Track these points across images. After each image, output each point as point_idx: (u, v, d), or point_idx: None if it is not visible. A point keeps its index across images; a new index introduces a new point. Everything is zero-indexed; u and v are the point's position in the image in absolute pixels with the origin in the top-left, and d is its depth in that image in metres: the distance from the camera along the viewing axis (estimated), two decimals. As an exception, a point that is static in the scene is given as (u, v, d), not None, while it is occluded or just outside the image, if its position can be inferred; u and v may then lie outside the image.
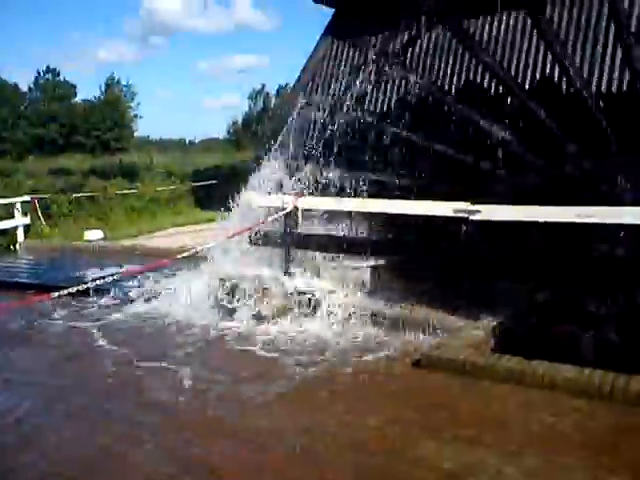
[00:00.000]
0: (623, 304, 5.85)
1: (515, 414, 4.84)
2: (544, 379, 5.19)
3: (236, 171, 15.60)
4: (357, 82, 8.40)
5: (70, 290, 6.37)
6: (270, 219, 7.73)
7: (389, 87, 8.90)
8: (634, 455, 4.16)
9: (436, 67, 8.56)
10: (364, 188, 7.51)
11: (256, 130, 39.16)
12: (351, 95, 8.51)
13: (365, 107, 8.71)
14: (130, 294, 8.37)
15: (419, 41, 8.63)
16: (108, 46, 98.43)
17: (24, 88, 55.48)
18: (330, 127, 8.15)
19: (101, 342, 6.71)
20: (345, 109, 8.15)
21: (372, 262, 7.63)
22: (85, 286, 7.02)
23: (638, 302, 5.80)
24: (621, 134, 6.21)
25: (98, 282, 7.21)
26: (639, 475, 3.92)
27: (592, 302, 5.96)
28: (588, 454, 4.18)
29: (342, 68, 9.23)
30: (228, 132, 53.83)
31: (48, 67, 56.25)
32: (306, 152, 8.26)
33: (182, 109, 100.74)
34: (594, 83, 7.20)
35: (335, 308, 7.08)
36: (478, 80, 8.04)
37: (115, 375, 5.81)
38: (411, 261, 7.09)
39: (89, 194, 16.54)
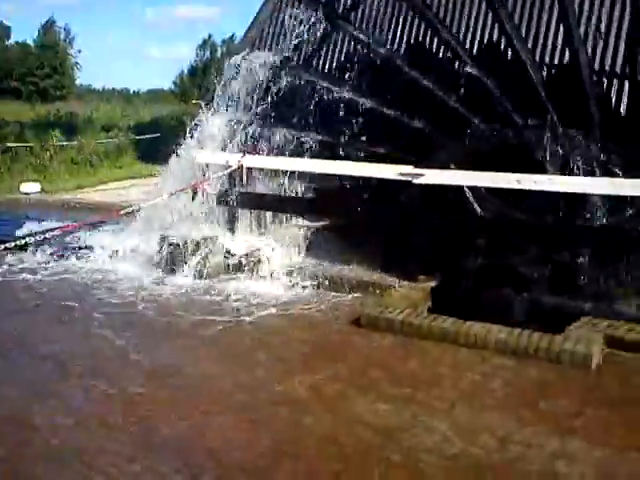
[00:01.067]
0: (554, 266, 6.09)
1: (448, 373, 5.03)
2: (477, 339, 5.42)
3: (181, 123, 15.26)
4: (304, 40, 8.31)
5: (7, 245, 6.20)
6: (215, 176, 7.64)
7: (338, 47, 8.79)
8: (550, 406, 4.46)
9: (384, 28, 8.48)
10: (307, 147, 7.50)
11: (201, 82, 38.25)
12: (297, 53, 8.43)
13: (312, 66, 8.58)
14: (66, 250, 8.17)
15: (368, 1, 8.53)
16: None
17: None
18: (274, 85, 8.05)
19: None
20: (290, 69, 8.06)
21: (317, 223, 7.69)
22: (23, 241, 6.82)
23: (568, 264, 6.06)
24: (560, 105, 6.37)
25: (36, 237, 7.01)
26: (554, 424, 4.19)
27: (524, 265, 6.19)
28: (512, 408, 4.43)
29: (290, 25, 9.04)
30: (174, 83, 52.34)
31: (-20, 6, 53.04)
32: (250, 110, 8.15)
33: (128, 58, 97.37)
34: (538, 54, 7.28)
35: (277, 267, 7.12)
36: (426, 44, 8.01)
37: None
38: (354, 222, 7.15)
39: (26, 144, 15.88)
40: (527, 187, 6.16)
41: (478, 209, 6.38)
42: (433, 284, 6.60)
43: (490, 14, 7.31)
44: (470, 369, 5.07)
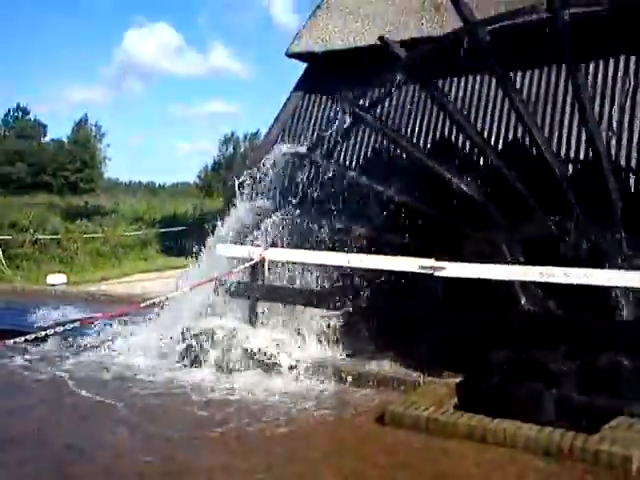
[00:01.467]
0: (583, 362, 5.92)
1: (477, 473, 4.82)
2: (506, 437, 5.20)
3: (205, 218, 15.61)
4: (328, 134, 8.58)
5: (27, 337, 6.22)
6: (236, 270, 7.70)
7: (359, 141, 9.03)
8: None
9: (408, 123, 8.71)
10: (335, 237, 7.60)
11: (225, 176, 39.39)
12: (322, 146, 8.68)
13: (334, 159, 8.80)
14: (88, 341, 8.16)
15: (391, 97, 8.80)
16: (82, 89, 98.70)
17: (-8, 127, 55.14)
18: (300, 177, 8.25)
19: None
20: (313, 161, 8.30)
21: (339, 313, 7.63)
22: (43, 333, 6.84)
23: (598, 361, 5.89)
24: (583, 199, 6.42)
25: (57, 329, 7.03)
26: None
27: (553, 360, 6.03)
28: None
29: (312, 122, 9.38)
30: (198, 177, 54.02)
31: (18, 105, 56.16)
32: (275, 201, 8.32)
33: (154, 153, 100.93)
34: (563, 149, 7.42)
35: (299, 362, 7.02)
36: (450, 138, 8.18)
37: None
38: (375, 315, 7.10)
39: (53, 236, 16.28)
40: (555, 280, 6.09)
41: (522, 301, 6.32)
42: (459, 380, 6.43)
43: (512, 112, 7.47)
44: (500, 469, 4.87)
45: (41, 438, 5.45)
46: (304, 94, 9.90)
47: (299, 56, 9.91)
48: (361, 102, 8.38)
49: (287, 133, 9.72)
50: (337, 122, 8.45)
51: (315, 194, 8.10)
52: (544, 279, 6.15)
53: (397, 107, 8.70)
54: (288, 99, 10.10)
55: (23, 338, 6.14)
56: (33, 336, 6.33)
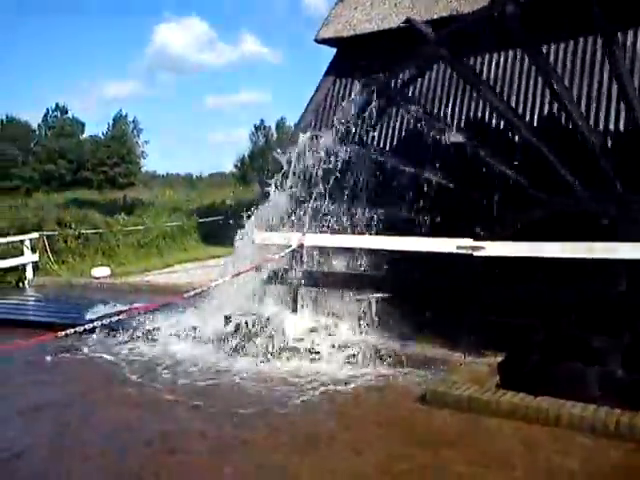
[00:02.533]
0: (628, 339, 5.85)
1: (520, 451, 4.84)
2: (549, 415, 5.20)
3: (242, 206, 15.72)
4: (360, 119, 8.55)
5: (77, 329, 6.44)
6: (276, 257, 7.80)
7: (391, 124, 8.99)
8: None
9: (440, 103, 8.63)
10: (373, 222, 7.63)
11: (261, 165, 39.64)
12: (355, 131, 8.65)
13: (370, 143, 8.78)
14: (134, 332, 8.40)
15: (421, 79, 8.73)
16: (116, 83, 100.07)
17: (34, 126, 56.46)
18: (334, 162, 8.25)
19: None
20: (347, 146, 8.29)
21: (377, 295, 7.67)
22: (91, 325, 7.07)
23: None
24: (624, 172, 6.29)
25: (104, 320, 7.26)
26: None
27: (596, 338, 5.98)
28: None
29: (344, 106, 9.38)
30: (235, 166, 54.44)
31: (57, 105, 57.34)
32: (311, 188, 8.36)
33: (189, 144, 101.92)
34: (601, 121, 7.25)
35: (340, 344, 7.10)
36: (483, 117, 8.08)
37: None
38: (415, 296, 7.11)
39: (96, 231, 16.66)
40: (598, 256, 6.01)
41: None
42: (500, 359, 6.43)
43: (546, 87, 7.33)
44: (544, 447, 4.87)
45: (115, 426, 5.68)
46: (334, 79, 9.92)
47: (328, 41, 9.91)
48: (392, 85, 8.33)
49: (319, 118, 9.76)
50: (369, 106, 8.42)
51: (348, 179, 8.11)
52: (591, 255, 6.06)
53: (428, 88, 8.64)
54: (319, 84, 10.13)
55: (73, 330, 6.36)
56: (82, 328, 6.55)
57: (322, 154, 8.14)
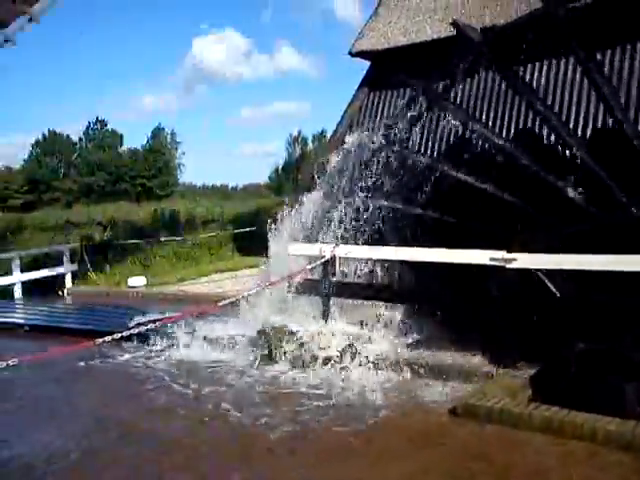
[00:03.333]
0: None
1: (553, 466, 4.77)
2: (584, 430, 5.11)
3: (276, 217, 15.83)
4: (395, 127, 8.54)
5: (114, 336, 6.57)
6: (309, 267, 7.86)
7: (427, 132, 8.93)
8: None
9: (482, 111, 8.54)
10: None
11: (295, 176, 39.85)
12: (391, 136, 8.62)
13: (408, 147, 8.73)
14: (171, 340, 8.53)
15: (460, 86, 8.64)
16: (154, 95, 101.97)
17: (75, 139, 57.93)
18: (371, 168, 8.23)
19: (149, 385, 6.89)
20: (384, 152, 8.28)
21: (408, 307, 7.66)
22: (128, 332, 7.20)
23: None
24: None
25: (141, 328, 7.39)
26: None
27: (635, 351, 5.85)
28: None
29: (378, 118, 9.44)
30: (270, 178, 54.91)
31: (97, 118, 58.77)
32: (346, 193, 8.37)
33: (225, 156, 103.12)
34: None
35: (372, 355, 7.10)
36: (525, 126, 7.98)
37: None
38: (445, 308, 7.08)
39: (133, 241, 16.99)
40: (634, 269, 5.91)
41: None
42: (533, 371, 6.34)
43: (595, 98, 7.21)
44: (579, 463, 4.78)
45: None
46: (369, 91, 10.00)
47: (362, 54, 10.01)
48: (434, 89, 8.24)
49: (354, 130, 9.82)
50: (409, 112, 8.40)
51: (388, 183, 8.09)
52: (627, 268, 5.96)
53: (470, 95, 8.56)
54: (354, 96, 10.23)
55: (110, 337, 6.49)
56: (119, 335, 6.68)
57: (368, 153, 8.11)
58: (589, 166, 6.62)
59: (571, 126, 7.56)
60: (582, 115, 7.77)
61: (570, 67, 7.89)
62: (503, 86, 8.13)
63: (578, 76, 7.77)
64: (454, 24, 7.61)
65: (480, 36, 7.32)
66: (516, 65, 7.82)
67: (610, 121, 7.25)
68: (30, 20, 10.43)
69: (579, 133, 7.53)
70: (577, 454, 4.91)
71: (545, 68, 8.15)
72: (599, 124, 7.56)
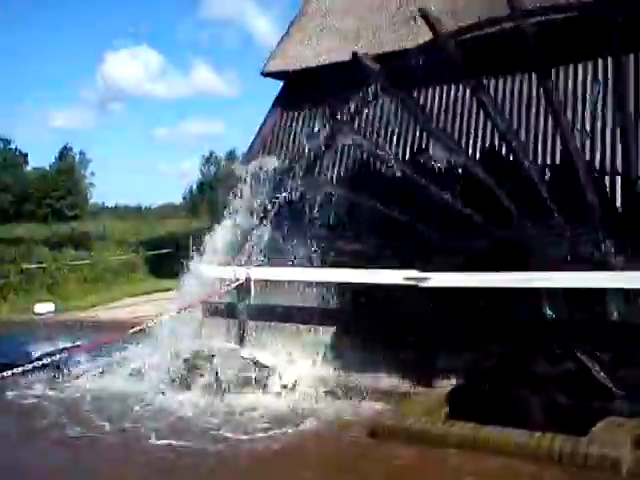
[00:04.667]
0: (569, 365, 5.97)
1: (469, 483, 4.83)
2: (498, 444, 5.23)
3: (191, 239, 15.54)
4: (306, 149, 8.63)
5: (15, 370, 6.18)
6: (222, 291, 7.72)
7: (338, 154, 9.05)
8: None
9: (382, 134, 8.77)
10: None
11: (210, 196, 39.46)
12: (299, 162, 8.71)
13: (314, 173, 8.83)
14: (77, 371, 8.12)
15: (366, 110, 8.85)
16: (64, 112, 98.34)
17: (-26, 158, 54.88)
18: (281, 194, 8.25)
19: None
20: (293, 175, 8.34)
21: (325, 329, 7.65)
22: (30, 365, 6.79)
23: (583, 363, 5.94)
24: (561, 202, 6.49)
25: (44, 360, 6.99)
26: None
27: (539, 365, 6.08)
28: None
29: (290, 138, 9.46)
30: (184, 198, 54.02)
31: (0, 137, 55.91)
32: (257, 219, 8.35)
33: (139, 175, 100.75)
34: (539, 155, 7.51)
35: (289, 378, 7.02)
36: (427, 146, 8.23)
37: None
38: (362, 328, 7.12)
39: (40, 265, 16.19)
40: (539, 285, 6.15)
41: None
42: (449, 388, 6.46)
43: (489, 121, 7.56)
44: (494, 477, 4.88)
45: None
46: (282, 111, 10.01)
47: (275, 75, 10.01)
48: (339, 116, 8.43)
49: (267, 149, 9.80)
50: (315, 137, 8.51)
51: (297, 209, 8.12)
52: (532, 284, 6.19)
53: (373, 119, 8.77)
54: (267, 116, 10.21)
55: (11, 372, 6.10)
56: (21, 369, 6.30)
57: (267, 185, 8.16)
58: (481, 182, 6.90)
59: (463, 144, 7.89)
60: (473, 135, 8.11)
61: (461, 92, 8.25)
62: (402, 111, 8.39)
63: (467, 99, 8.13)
64: (354, 55, 7.85)
65: (378, 68, 7.64)
66: (411, 91, 8.22)
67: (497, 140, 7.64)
68: None
69: (470, 151, 7.85)
70: (492, 468, 5.01)
71: (438, 93, 8.49)
72: (487, 143, 7.90)
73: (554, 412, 5.70)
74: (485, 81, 7.71)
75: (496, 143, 7.76)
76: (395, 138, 8.62)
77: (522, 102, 7.82)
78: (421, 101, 8.45)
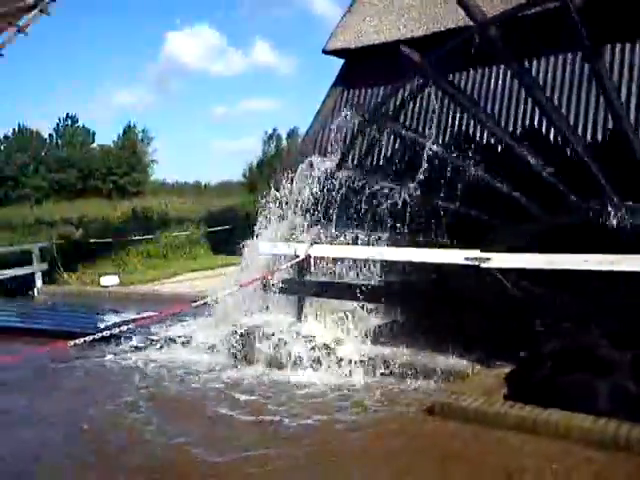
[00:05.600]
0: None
1: (529, 465, 4.79)
2: (558, 428, 5.15)
3: (251, 215, 15.71)
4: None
5: (86, 339, 6.46)
6: (283, 267, 7.82)
7: (391, 142, 8.92)
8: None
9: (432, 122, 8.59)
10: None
11: (269, 174, 39.64)
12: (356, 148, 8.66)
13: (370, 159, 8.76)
14: (144, 341, 8.41)
15: (418, 97, 8.71)
16: (127, 91, 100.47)
17: (45, 135, 56.87)
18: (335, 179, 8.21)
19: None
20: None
21: (383, 306, 7.67)
22: (101, 334, 7.09)
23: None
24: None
25: (113, 330, 7.28)
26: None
27: (606, 349, 5.93)
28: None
29: (349, 123, 9.39)
30: (244, 176, 54.52)
31: (68, 114, 57.71)
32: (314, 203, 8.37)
33: (198, 152, 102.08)
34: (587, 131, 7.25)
35: (346, 355, 7.09)
36: (475, 132, 8.03)
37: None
38: (422, 307, 7.10)
39: (105, 240, 16.75)
40: (604, 268, 5.98)
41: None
42: (508, 370, 6.39)
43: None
44: (553, 461, 4.80)
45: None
46: (342, 90, 9.94)
47: (336, 52, 9.94)
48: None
49: (327, 129, 9.77)
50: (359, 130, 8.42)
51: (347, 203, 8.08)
52: (597, 267, 6.03)
53: (420, 109, 8.61)
54: (327, 95, 10.16)
55: (82, 339, 6.38)
56: (91, 337, 6.57)
57: (321, 179, 8.14)
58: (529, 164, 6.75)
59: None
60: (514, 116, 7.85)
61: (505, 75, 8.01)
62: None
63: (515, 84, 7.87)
64: (398, 46, 7.74)
65: (420, 60, 7.56)
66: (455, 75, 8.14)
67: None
68: (18, 31, 10.42)
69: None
70: (551, 452, 4.94)
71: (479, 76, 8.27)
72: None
73: (620, 399, 5.57)
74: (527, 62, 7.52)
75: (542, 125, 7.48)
76: (441, 127, 8.39)
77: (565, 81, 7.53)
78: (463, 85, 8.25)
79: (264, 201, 8.64)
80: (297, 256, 7.74)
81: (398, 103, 8.57)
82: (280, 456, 5.08)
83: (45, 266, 14.34)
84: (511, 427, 5.29)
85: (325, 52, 10.07)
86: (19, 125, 55.71)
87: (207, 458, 5.04)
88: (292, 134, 49.16)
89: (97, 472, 4.97)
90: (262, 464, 4.93)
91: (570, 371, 5.92)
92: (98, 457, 5.22)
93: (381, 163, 8.60)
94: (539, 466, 4.75)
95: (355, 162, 8.60)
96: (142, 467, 4.98)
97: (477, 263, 6.55)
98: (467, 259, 6.60)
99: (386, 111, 8.46)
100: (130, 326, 7.45)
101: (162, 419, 5.92)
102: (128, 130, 56.31)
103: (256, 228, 8.58)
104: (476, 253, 6.58)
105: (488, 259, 6.50)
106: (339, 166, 8.19)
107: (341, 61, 10.25)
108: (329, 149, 8.84)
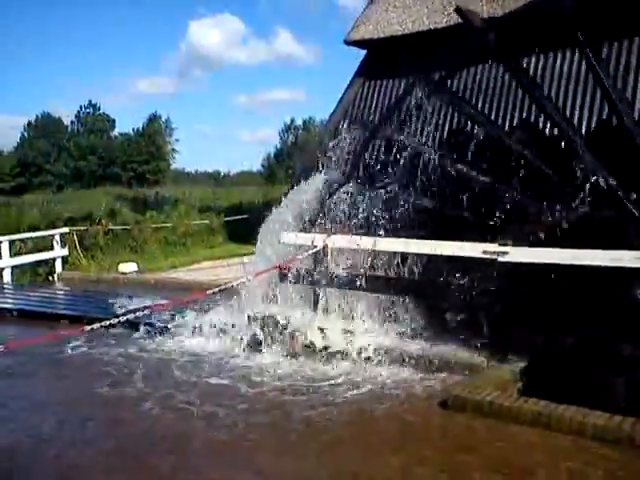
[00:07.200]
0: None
1: (541, 460, 4.77)
2: (572, 425, 5.12)
3: (269, 205, 15.74)
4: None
5: (104, 323, 6.53)
6: (300, 257, 7.82)
7: (429, 119, 8.79)
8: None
9: (485, 102, 8.42)
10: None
11: (288, 164, 39.72)
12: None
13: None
14: (161, 328, 8.49)
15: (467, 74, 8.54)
16: (149, 79, 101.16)
17: (67, 122, 57.47)
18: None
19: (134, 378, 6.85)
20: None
21: (401, 299, 7.65)
22: (118, 319, 7.16)
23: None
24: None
25: (131, 316, 7.35)
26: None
27: (624, 345, 5.88)
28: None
29: (372, 108, 9.36)
30: (262, 166, 54.71)
31: (90, 102, 58.31)
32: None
33: (218, 142, 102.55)
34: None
35: (362, 346, 7.09)
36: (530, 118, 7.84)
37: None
38: (438, 300, 7.08)
39: (124, 227, 16.89)
40: (623, 264, 5.92)
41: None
42: (524, 364, 6.36)
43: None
44: (567, 457, 4.78)
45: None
46: (364, 80, 9.89)
47: (357, 43, 9.88)
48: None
49: (348, 119, 9.74)
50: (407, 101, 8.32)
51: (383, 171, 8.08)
52: (615, 263, 5.97)
53: (472, 85, 8.43)
54: (349, 85, 10.12)
55: (99, 324, 6.45)
56: (108, 322, 6.64)
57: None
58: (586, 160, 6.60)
59: (574, 120, 7.44)
60: (586, 108, 7.59)
61: (568, 60, 7.76)
62: (503, 78, 7.99)
63: (581, 68, 7.60)
64: (457, 10, 7.35)
65: (483, 23, 7.24)
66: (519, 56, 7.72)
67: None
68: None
69: (583, 127, 7.37)
70: (565, 448, 4.91)
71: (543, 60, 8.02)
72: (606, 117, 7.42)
73: (637, 397, 5.52)
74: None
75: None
76: (490, 106, 8.22)
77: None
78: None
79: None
80: (315, 246, 7.73)
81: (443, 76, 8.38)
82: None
83: (65, 252, 14.49)
84: (525, 422, 5.27)
85: (347, 43, 10.02)
86: (42, 112, 56.38)
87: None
88: (309, 122, 48.99)
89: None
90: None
91: (586, 367, 5.88)
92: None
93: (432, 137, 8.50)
94: (553, 462, 4.73)
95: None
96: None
97: (495, 257, 6.51)
98: (485, 252, 6.57)
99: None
100: (147, 312, 7.51)
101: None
102: (153, 119, 56.66)
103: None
104: (494, 247, 6.54)
105: (506, 253, 6.45)
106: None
107: (364, 52, 10.21)
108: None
